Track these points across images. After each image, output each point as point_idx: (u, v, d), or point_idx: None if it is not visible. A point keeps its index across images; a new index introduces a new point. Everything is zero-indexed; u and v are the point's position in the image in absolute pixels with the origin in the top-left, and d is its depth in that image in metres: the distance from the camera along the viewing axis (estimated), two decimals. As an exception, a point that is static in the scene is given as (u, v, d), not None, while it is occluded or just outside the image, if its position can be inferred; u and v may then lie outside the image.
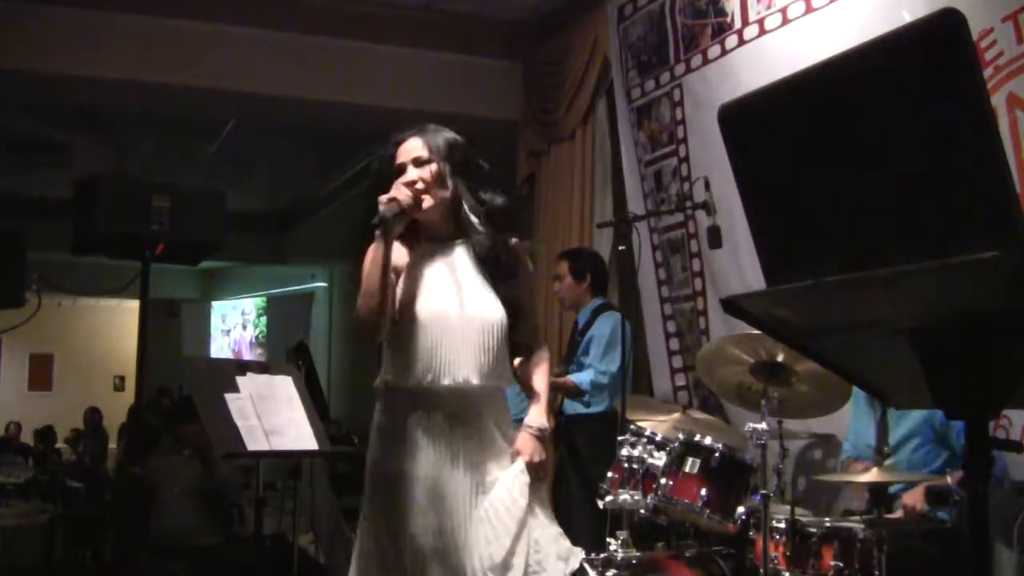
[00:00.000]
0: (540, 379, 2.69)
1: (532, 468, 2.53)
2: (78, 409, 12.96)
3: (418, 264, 2.62)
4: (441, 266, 2.61)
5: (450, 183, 2.59)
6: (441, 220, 2.62)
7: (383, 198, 2.48)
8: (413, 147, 2.60)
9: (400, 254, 2.60)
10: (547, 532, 2.53)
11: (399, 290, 2.58)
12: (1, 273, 3.91)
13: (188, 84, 5.99)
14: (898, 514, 3.38)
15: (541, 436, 2.59)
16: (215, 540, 4.75)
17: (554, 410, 4.56)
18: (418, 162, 2.58)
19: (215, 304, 15.42)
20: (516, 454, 2.55)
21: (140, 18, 5.76)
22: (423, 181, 2.55)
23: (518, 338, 2.62)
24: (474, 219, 2.60)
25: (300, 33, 6.08)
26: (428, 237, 2.64)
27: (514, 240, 2.65)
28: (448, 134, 2.65)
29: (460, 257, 2.61)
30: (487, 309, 2.56)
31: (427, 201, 2.55)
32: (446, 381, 2.50)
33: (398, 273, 2.59)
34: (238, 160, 9.51)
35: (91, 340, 15.44)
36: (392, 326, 2.54)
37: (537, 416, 2.62)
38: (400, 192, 2.49)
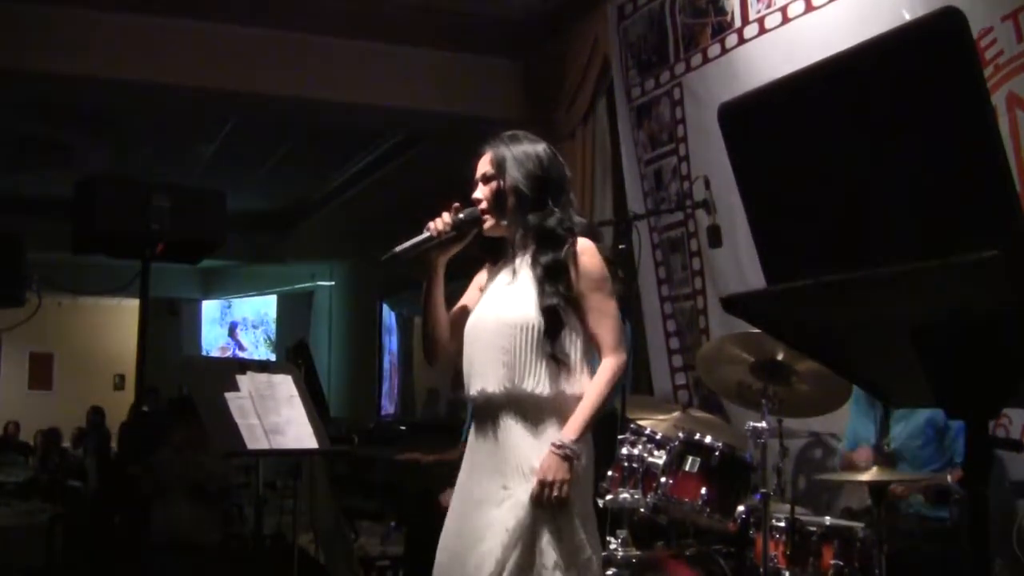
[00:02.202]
0: (587, 393, 2.48)
1: (545, 487, 2.37)
2: (78, 408, 12.96)
3: (491, 279, 2.66)
4: (501, 280, 2.62)
5: (512, 203, 2.54)
6: (517, 236, 2.58)
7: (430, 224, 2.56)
8: (483, 161, 2.62)
9: (484, 277, 2.70)
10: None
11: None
12: (1, 272, 3.91)
13: (188, 84, 5.99)
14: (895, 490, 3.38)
15: (563, 454, 2.39)
16: (215, 539, 4.76)
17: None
18: (485, 178, 2.60)
19: (215, 303, 15.43)
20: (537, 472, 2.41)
21: (140, 18, 5.76)
22: (486, 200, 2.58)
23: (551, 349, 2.45)
24: (531, 235, 2.53)
25: (300, 33, 6.08)
26: (506, 252, 2.64)
27: (569, 248, 2.49)
28: (520, 148, 2.58)
29: (521, 269, 2.56)
30: (511, 311, 2.51)
31: (488, 221, 2.59)
32: (472, 392, 2.55)
33: (482, 291, 2.68)
34: (238, 160, 9.51)
35: (91, 339, 15.43)
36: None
37: (566, 432, 2.43)
38: (435, 222, 2.55)
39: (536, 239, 2.52)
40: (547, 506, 2.38)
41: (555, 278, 2.47)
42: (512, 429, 2.47)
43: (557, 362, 2.45)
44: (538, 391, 2.46)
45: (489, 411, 2.52)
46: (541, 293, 2.47)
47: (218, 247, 4.05)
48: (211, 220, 3.97)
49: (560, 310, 2.46)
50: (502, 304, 2.54)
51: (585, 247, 2.51)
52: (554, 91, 6.10)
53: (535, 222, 2.52)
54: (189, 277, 14.28)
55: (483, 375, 2.51)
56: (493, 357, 2.49)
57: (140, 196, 3.75)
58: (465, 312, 2.66)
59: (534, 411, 2.48)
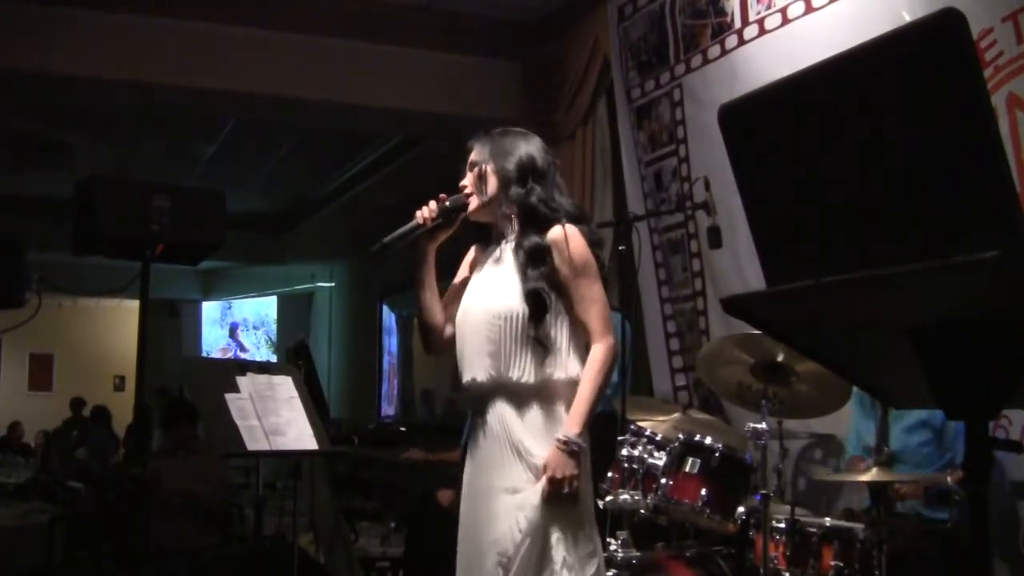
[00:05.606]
0: (582, 383, 2.49)
1: (554, 484, 2.40)
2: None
3: (479, 265, 2.69)
4: (490, 265, 2.65)
5: (494, 183, 2.59)
6: (502, 219, 2.63)
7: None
8: (471, 151, 2.68)
9: (472, 258, 2.73)
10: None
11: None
12: (1, 273, 3.90)
13: (188, 84, 5.99)
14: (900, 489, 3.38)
15: (569, 449, 2.41)
16: (215, 540, 4.75)
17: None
18: (471, 165, 2.66)
19: (215, 304, 15.43)
20: (544, 470, 2.43)
21: (140, 18, 5.76)
22: (471, 184, 2.64)
23: (535, 333, 2.47)
24: (513, 216, 2.58)
25: (300, 33, 6.08)
26: (495, 237, 2.68)
27: (553, 233, 2.52)
28: (505, 138, 2.65)
29: (505, 255, 2.61)
30: (496, 301, 2.54)
31: (472, 203, 2.63)
32: (465, 380, 2.59)
33: (472, 270, 2.71)
34: (238, 160, 9.51)
35: (91, 340, 15.44)
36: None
37: (568, 425, 2.45)
38: (423, 210, 2.60)
39: (520, 218, 2.57)
40: (559, 503, 2.41)
41: (537, 262, 2.50)
42: (503, 413, 2.51)
43: (543, 347, 2.48)
44: (524, 379, 2.49)
45: (481, 398, 2.57)
46: (524, 279, 2.50)
47: (218, 248, 4.05)
48: (211, 221, 3.97)
49: (544, 294, 2.49)
50: (487, 294, 2.58)
51: (568, 232, 2.52)
52: (554, 92, 6.10)
53: (516, 198, 2.56)
54: (189, 278, 14.28)
55: (472, 365, 2.56)
56: (480, 347, 2.53)
57: (140, 197, 3.75)
58: (458, 294, 2.69)
59: (522, 396, 2.51)
